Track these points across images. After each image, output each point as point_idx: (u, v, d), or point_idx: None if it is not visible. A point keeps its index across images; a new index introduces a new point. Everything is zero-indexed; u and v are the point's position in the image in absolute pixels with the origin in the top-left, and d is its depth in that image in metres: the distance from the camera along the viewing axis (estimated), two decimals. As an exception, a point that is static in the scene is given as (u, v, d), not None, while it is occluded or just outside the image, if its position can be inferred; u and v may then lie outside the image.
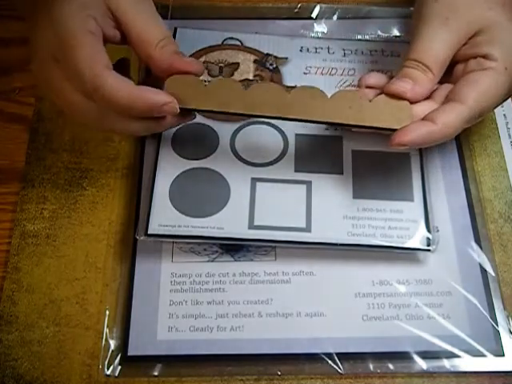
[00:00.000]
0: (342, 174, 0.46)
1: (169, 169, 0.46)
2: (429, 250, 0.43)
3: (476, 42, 0.42)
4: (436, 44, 0.42)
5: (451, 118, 0.40)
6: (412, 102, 0.42)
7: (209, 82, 0.42)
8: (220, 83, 0.43)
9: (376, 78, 0.44)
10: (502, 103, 0.43)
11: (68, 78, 0.40)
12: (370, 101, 0.42)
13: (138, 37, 0.42)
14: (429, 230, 0.44)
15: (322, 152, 0.47)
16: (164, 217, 0.44)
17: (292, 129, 0.48)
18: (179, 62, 0.42)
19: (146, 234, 0.43)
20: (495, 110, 0.51)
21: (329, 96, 0.42)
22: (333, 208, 0.45)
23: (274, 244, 0.44)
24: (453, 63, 0.43)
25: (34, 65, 0.42)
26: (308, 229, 0.44)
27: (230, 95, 0.42)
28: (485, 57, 0.41)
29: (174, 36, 0.52)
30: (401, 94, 0.41)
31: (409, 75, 0.42)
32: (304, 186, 0.46)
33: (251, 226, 0.44)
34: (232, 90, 0.42)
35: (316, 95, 0.42)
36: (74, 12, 0.40)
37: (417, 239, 0.43)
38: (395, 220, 0.44)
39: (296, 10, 0.55)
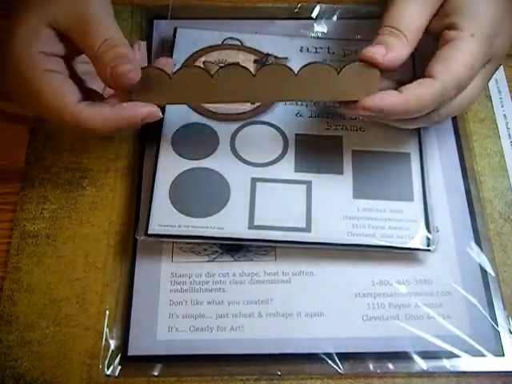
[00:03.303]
0: (342, 174, 0.46)
1: (169, 169, 0.46)
2: (429, 250, 0.43)
3: (444, 11, 0.42)
4: (410, 10, 0.41)
5: (420, 91, 0.40)
6: (387, 70, 0.41)
7: (174, 73, 0.41)
8: (185, 73, 0.41)
9: None
10: (486, 77, 0.43)
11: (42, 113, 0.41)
12: (339, 73, 0.41)
13: (82, 48, 0.40)
14: (429, 230, 0.44)
15: (322, 152, 0.47)
16: (164, 217, 0.44)
17: (292, 129, 0.48)
18: (111, 77, 0.40)
19: (146, 234, 0.43)
20: (495, 110, 0.51)
21: (296, 72, 0.41)
22: (333, 208, 0.45)
23: (273, 244, 0.44)
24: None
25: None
26: (308, 229, 0.44)
27: (196, 85, 0.41)
28: (451, 27, 0.41)
29: (174, 36, 0.52)
30: (374, 59, 0.40)
31: (383, 41, 0.41)
32: (304, 186, 0.46)
33: (251, 226, 0.44)
34: (197, 79, 0.41)
35: (283, 74, 0.41)
36: (22, 52, 0.40)
37: (417, 239, 0.43)
38: (395, 220, 0.44)
39: (296, 10, 0.55)
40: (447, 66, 0.40)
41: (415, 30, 0.41)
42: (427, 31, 0.42)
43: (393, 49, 0.40)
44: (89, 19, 0.40)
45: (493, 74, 0.44)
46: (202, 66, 0.50)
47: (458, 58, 0.40)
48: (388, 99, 0.40)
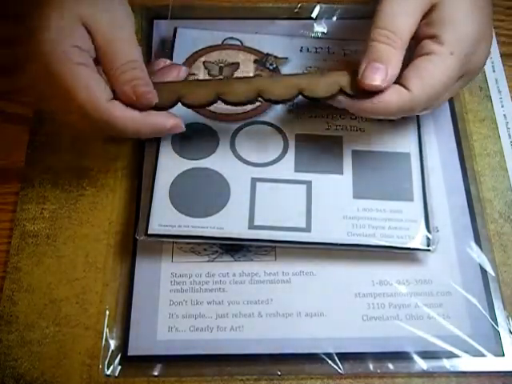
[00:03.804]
0: (342, 173, 0.46)
1: (169, 169, 0.46)
2: (429, 250, 0.43)
3: (429, 19, 0.42)
4: (400, 11, 0.41)
5: (390, 99, 0.40)
6: None
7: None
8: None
9: None
10: (459, 87, 0.44)
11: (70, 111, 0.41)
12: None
13: (104, 58, 0.41)
14: (429, 230, 0.44)
15: (322, 152, 0.47)
16: (164, 217, 0.44)
17: (292, 129, 0.48)
18: (130, 95, 0.41)
19: (146, 234, 0.43)
20: (495, 110, 0.51)
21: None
22: (333, 208, 0.45)
23: (273, 244, 0.44)
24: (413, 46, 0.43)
25: (33, 91, 0.43)
26: (308, 229, 0.44)
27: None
28: (432, 38, 0.41)
29: (174, 36, 0.52)
30: (375, 88, 0.40)
31: (378, 55, 0.40)
32: (304, 186, 0.46)
33: (251, 226, 0.44)
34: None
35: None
36: (58, 43, 0.40)
37: (417, 239, 0.43)
38: (395, 220, 0.44)
39: (296, 10, 0.55)
40: (421, 80, 0.40)
41: (407, 30, 0.41)
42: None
43: (391, 64, 0.40)
44: (115, 38, 0.41)
45: (461, 88, 0.45)
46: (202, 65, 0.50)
47: (435, 74, 0.40)
48: (358, 103, 0.41)
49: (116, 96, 0.41)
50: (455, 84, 0.43)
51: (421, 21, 0.42)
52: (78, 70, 0.40)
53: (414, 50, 0.42)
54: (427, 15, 0.42)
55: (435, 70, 0.40)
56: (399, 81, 0.41)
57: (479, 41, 0.42)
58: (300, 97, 0.43)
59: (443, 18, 0.41)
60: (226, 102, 0.43)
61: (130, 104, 0.41)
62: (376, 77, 0.40)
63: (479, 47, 0.42)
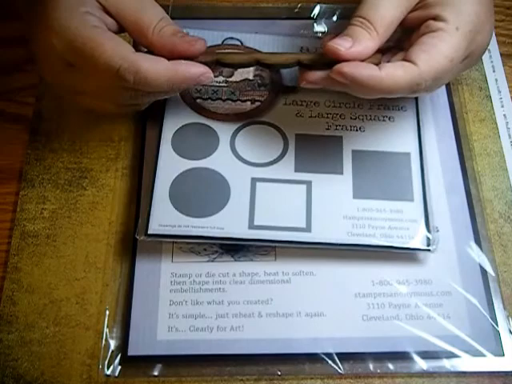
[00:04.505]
0: (342, 173, 0.46)
1: (169, 169, 0.46)
2: (429, 250, 0.43)
3: (427, 3, 0.42)
4: (384, 2, 0.41)
5: (399, 73, 0.39)
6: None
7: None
8: None
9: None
10: (461, 69, 0.43)
11: (88, 80, 0.41)
12: None
13: (134, 25, 0.42)
14: (429, 230, 0.44)
15: (322, 152, 0.47)
16: (164, 217, 0.44)
17: (292, 129, 0.48)
18: (180, 44, 0.41)
19: (146, 234, 0.43)
20: (495, 110, 0.51)
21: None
22: (333, 208, 0.45)
23: (274, 244, 0.44)
24: (410, 31, 0.43)
25: (45, 73, 0.42)
26: (308, 229, 0.44)
27: None
28: (435, 18, 0.41)
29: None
30: (336, 52, 0.39)
31: (351, 33, 0.40)
32: (304, 186, 0.45)
33: (251, 226, 0.44)
34: None
35: None
36: (72, 11, 0.40)
37: (417, 239, 0.43)
38: (395, 220, 0.44)
39: (296, 10, 0.55)
40: (428, 55, 0.40)
41: (388, 23, 0.41)
42: (402, 24, 0.42)
43: (360, 43, 0.40)
44: (138, 4, 0.42)
45: (463, 71, 0.45)
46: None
47: (441, 49, 0.40)
48: (365, 72, 0.39)
49: None
50: (459, 65, 0.42)
51: (416, 9, 0.42)
52: (99, 30, 0.40)
53: (416, 33, 0.42)
54: (423, 1, 0.42)
55: (442, 45, 0.40)
56: (405, 58, 0.40)
57: (482, 21, 0.42)
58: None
59: (442, 0, 0.41)
60: (264, 65, 0.43)
61: (173, 57, 0.41)
62: (340, 42, 0.40)
63: (483, 28, 0.42)
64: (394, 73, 0.39)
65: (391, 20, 0.41)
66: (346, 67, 0.39)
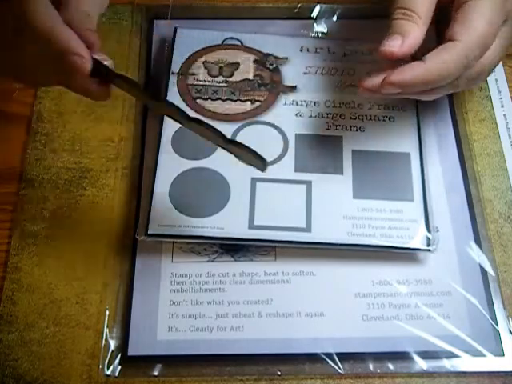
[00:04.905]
0: (342, 174, 0.46)
1: (169, 169, 0.46)
2: (429, 250, 0.43)
3: None
4: None
5: (444, 57, 0.39)
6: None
7: None
8: None
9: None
10: (498, 28, 0.42)
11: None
12: None
13: None
14: (429, 230, 0.44)
15: (322, 152, 0.47)
16: (164, 217, 0.44)
17: (292, 129, 0.48)
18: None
19: (146, 234, 0.43)
20: (495, 110, 0.51)
21: None
22: (333, 208, 0.45)
23: (273, 244, 0.44)
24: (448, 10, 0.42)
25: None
26: (308, 229, 0.44)
27: None
28: None
29: (174, 36, 0.52)
30: (390, 54, 0.40)
31: (397, 29, 0.40)
32: (304, 186, 0.45)
33: (251, 226, 0.44)
34: None
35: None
36: None
37: (417, 239, 0.43)
38: (395, 220, 0.44)
39: (296, 10, 0.55)
40: (467, 25, 0.40)
41: (428, 5, 0.41)
42: (439, 2, 0.42)
43: (409, 35, 0.40)
44: None
45: (510, 35, 0.44)
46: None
47: (476, 15, 0.40)
48: (411, 72, 0.39)
49: None
50: (502, 29, 0.42)
51: None
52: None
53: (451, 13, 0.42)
54: None
55: (476, 12, 0.40)
56: (445, 38, 0.40)
57: None
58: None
59: None
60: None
61: None
62: (391, 43, 0.40)
63: None
64: (439, 58, 0.39)
65: (430, 2, 0.41)
66: (392, 77, 0.39)
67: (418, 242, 0.43)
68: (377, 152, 0.47)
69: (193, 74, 0.50)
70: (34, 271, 0.44)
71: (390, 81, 0.40)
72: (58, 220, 0.46)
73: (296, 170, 0.46)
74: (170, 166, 0.46)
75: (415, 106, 0.49)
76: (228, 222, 0.44)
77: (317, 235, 0.44)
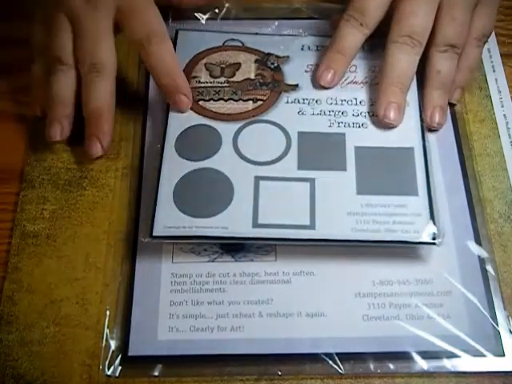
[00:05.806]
0: (346, 170, 0.46)
1: (172, 172, 0.45)
2: (434, 244, 0.43)
3: None
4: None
5: (466, 63, 0.48)
6: None
7: None
8: None
9: None
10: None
11: None
12: None
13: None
14: (434, 224, 0.43)
15: (325, 149, 0.47)
16: (168, 218, 0.43)
17: (294, 127, 0.48)
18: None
19: (151, 236, 0.43)
20: (495, 110, 0.51)
21: None
22: (337, 204, 0.44)
23: (278, 242, 0.44)
24: None
25: None
26: (312, 226, 0.43)
27: None
28: None
29: (176, 38, 0.52)
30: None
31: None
32: (307, 184, 0.45)
33: (255, 225, 0.43)
34: None
35: None
36: None
37: (422, 233, 0.43)
38: (400, 215, 0.44)
39: (296, 10, 0.55)
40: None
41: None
42: None
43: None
44: None
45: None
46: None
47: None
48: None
49: None
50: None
51: None
52: None
53: None
54: None
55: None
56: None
57: None
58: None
59: None
60: None
61: None
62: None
63: None
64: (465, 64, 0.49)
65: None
66: (435, 117, 0.48)
67: (423, 235, 0.43)
68: (380, 148, 0.47)
69: (195, 77, 0.50)
70: (34, 271, 0.44)
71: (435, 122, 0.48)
72: (58, 220, 0.46)
73: (299, 168, 0.46)
74: (173, 169, 0.45)
75: (417, 100, 0.49)
76: (232, 222, 0.43)
77: (321, 232, 0.43)
